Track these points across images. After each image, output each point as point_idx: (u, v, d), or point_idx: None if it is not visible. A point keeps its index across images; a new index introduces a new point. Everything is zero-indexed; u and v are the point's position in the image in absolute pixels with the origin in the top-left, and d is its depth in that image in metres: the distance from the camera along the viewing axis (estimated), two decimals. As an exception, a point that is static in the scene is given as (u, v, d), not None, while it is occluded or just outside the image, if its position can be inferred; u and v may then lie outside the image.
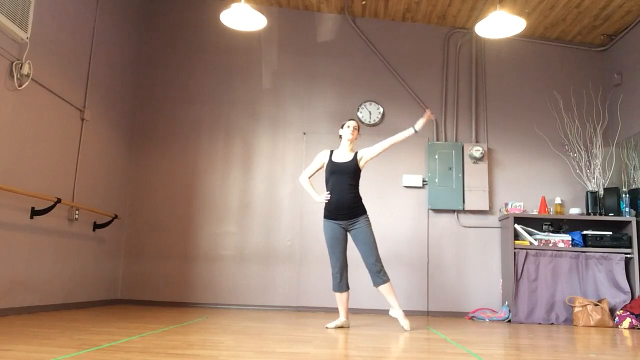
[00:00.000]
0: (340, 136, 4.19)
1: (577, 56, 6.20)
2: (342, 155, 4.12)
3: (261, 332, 3.37)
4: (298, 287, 5.68)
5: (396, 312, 3.97)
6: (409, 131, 4.11)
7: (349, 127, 4.14)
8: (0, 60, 3.78)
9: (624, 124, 5.73)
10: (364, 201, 4.20)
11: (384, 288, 3.94)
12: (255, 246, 5.78)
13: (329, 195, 4.05)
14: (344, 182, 4.01)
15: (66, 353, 2.20)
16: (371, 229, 4.02)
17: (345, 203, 3.99)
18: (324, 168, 4.16)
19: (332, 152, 4.17)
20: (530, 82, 6.15)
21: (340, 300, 4.02)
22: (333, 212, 4.02)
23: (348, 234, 4.06)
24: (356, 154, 4.13)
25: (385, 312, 5.58)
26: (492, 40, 6.21)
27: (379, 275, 3.92)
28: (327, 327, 3.87)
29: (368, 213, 4.13)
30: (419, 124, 4.13)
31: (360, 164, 4.10)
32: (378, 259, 3.95)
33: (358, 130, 4.21)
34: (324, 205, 4.09)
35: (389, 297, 3.94)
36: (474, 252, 5.74)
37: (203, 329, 3.39)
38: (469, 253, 5.74)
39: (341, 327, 3.97)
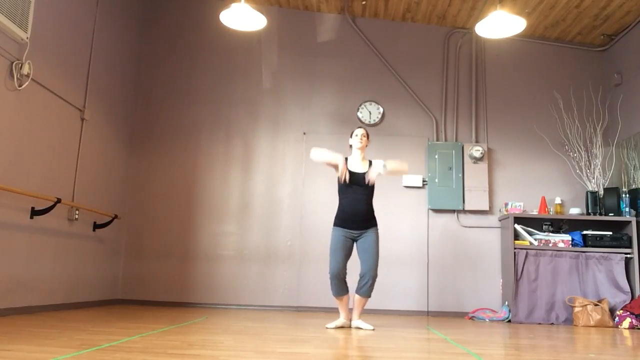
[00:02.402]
0: (351, 146, 4.14)
1: (577, 56, 6.20)
2: (357, 165, 4.07)
3: (261, 332, 3.37)
4: (298, 287, 5.68)
5: (357, 322, 4.01)
6: (388, 167, 3.97)
7: (357, 135, 4.09)
8: (0, 60, 3.78)
9: (624, 124, 5.73)
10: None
11: (362, 300, 4.01)
12: (255, 246, 5.78)
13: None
14: (360, 193, 3.99)
15: (66, 353, 2.20)
16: (378, 241, 4.02)
17: (360, 214, 3.97)
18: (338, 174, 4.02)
19: (346, 159, 4.07)
20: (530, 82, 6.15)
21: (339, 303, 4.03)
22: (347, 221, 3.98)
23: (355, 244, 4.04)
24: (370, 163, 4.08)
25: (384, 312, 5.59)
26: (492, 40, 6.21)
27: (369, 288, 3.96)
28: (327, 327, 3.88)
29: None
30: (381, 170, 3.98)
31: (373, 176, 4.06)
32: (375, 276, 3.95)
33: (367, 138, 4.15)
34: (336, 212, 4.06)
35: (359, 308, 4.03)
36: (474, 252, 5.74)
37: (203, 329, 3.39)
38: (469, 253, 5.74)
39: (342, 327, 3.98)
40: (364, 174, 4.01)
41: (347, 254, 4.00)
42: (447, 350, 2.76)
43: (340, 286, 3.97)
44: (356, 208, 3.97)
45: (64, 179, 4.64)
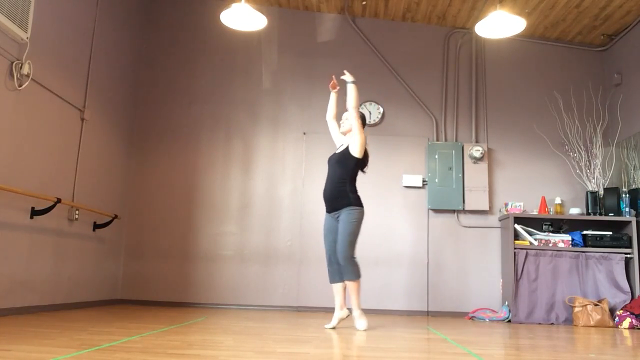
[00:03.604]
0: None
1: (577, 56, 6.20)
2: (341, 147, 4.15)
3: (261, 332, 3.37)
4: (298, 287, 5.68)
5: (355, 313, 3.90)
6: (350, 86, 4.06)
7: (341, 119, 4.20)
8: (0, 60, 3.78)
9: (624, 124, 5.73)
10: (363, 200, 4.07)
11: (349, 284, 3.84)
12: (255, 246, 5.78)
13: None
14: (333, 173, 4.00)
15: (66, 353, 2.20)
16: (351, 221, 3.81)
17: (327, 192, 3.99)
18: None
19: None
20: (530, 82, 6.15)
21: (334, 291, 4.00)
22: (325, 202, 4.06)
23: None
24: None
25: (384, 312, 5.59)
26: (492, 40, 6.21)
27: (345, 270, 3.81)
28: (326, 327, 3.87)
29: (361, 207, 3.89)
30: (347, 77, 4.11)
31: (352, 150, 3.93)
32: (344, 256, 3.77)
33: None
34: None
35: (353, 295, 3.85)
36: (474, 252, 5.74)
37: (203, 329, 3.39)
38: (469, 253, 5.74)
39: (340, 320, 3.94)
40: (338, 152, 4.05)
41: (334, 238, 3.97)
42: (447, 350, 2.76)
43: (332, 272, 3.96)
44: (326, 187, 4.02)
45: (64, 179, 4.64)
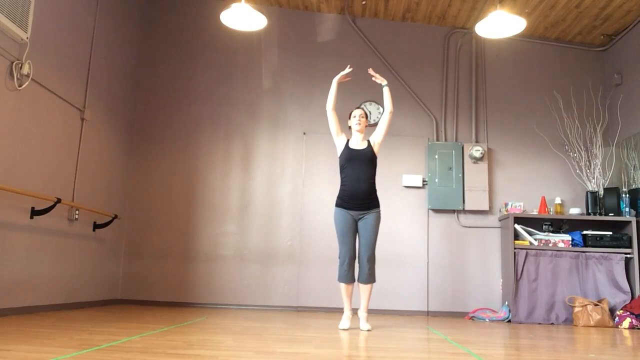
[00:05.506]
0: (350, 127, 4.12)
1: (577, 56, 6.20)
2: (358, 143, 4.04)
3: (261, 332, 3.37)
4: (298, 287, 5.68)
5: (363, 313, 3.94)
6: (385, 89, 4.10)
7: (355, 117, 4.07)
8: (0, 60, 3.78)
9: (624, 124, 5.73)
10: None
11: (366, 288, 3.91)
12: (255, 246, 5.78)
13: (349, 70, 4.10)
14: (362, 171, 3.93)
15: (66, 353, 2.20)
16: (379, 223, 3.95)
17: (361, 193, 3.90)
18: (338, 154, 4.05)
19: (348, 141, 4.07)
20: (530, 82, 6.15)
21: (346, 291, 3.92)
22: (347, 200, 3.91)
23: (357, 223, 3.97)
24: (368, 141, 4.07)
25: (384, 312, 5.58)
26: (492, 40, 6.21)
27: (368, 272, 3.88)
28: (341, 329, 3.78)
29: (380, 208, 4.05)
30: (380, 80, 4.13)
31: (375, 150, 4.03)
32: (372, 258, 3.89)
33: (366, 118, 4.16)
34: (337, 193, 4.00)
35: (366, 296, 3.93)
36: (474, 252, 5.74)
37: (203, 329, 3.39)
38: (469, 253, 5.74)
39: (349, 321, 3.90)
40: (364, 149, 3.99)
41: (355, 236, 3.94)
42: (447, 350, 2.76)
43: (349, 272, 3.88)
44: (357, 187, 3.91)
45: (64, 179, 4.64)
